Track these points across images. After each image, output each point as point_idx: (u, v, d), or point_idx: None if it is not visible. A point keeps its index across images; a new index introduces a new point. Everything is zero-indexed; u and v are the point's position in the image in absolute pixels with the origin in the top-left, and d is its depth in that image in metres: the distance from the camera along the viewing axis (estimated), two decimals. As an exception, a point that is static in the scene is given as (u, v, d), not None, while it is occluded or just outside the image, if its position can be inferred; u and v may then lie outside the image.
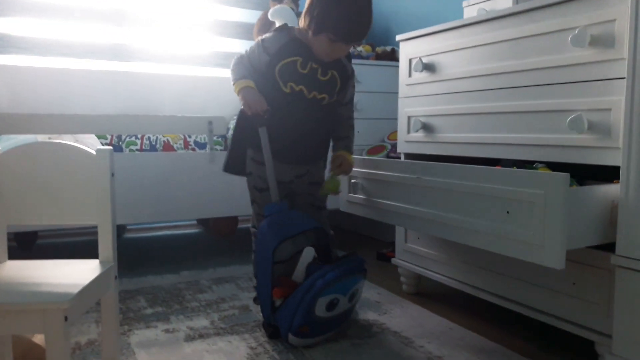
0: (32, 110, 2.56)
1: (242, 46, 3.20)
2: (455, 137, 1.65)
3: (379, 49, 2.71)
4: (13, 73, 2.59)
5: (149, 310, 1.72)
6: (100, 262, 1.16)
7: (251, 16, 3.17)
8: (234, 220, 2.96)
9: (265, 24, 2.99)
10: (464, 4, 1.89)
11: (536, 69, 1.36)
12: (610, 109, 1.17)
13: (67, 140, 2.18)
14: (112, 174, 1.18)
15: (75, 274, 1.08)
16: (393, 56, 2.67)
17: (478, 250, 1.54)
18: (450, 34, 1.65)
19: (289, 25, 2.72)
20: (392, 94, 2.69)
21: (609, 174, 1.21)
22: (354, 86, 1.65)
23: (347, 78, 1.58)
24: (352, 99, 1.66)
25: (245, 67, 1.52)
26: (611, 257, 1.11)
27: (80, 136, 2.18)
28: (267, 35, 1.53)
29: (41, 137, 2.12)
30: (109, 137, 2.62)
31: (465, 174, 1.27)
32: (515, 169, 1.27)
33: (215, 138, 2.86)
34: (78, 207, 1.17)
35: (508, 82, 1.45)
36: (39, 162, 1.17)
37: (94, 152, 1.17)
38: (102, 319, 1.17)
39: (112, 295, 1.18)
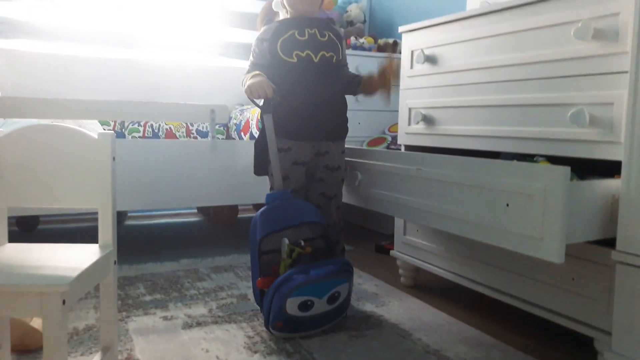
0: (35, 95, 2.56)
1: (247, 36, 3.19)
2: (455, 130, 1.65)
3: (381, 41, 2.70)
4: (17, 58, 2.59)
5: (148, 298, 1.72)
6: (100, 247, 1.16)
7: (256, 6, 3.16)
8: (234, 209, 2.97)
9: (268, 14, 2.97)
10: (469, -5, 1.88)
11: (538, 62, 1.35)
12: (612, 103, 1.16)
13: (70, 125, 2.19)
14: (114, 159, 1.18)
15: (74, 257, 1.08)
16: (395, 48, 2.65)
17: (477, 243, 1.54)
18: (453, 25, 1.64)
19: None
20: (393, 86, 2.69)
21: (610, 168, 1.20)
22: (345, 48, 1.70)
23: (341, 38, 1.64)
24: (346, 62, 1.71)
25: (255, 67, 1.57)
26: (611, 252, 1.11)
27: (83, 122, 2.17)
28: (261, 30, 1.60)
29: (44, 122, 2.12)
30: (111, 123, 2.62)
31: (465, 165, 1.26)
32: (514, 161, 1.26)
33: (217, 127, 2.86)
34: (79, 191, 1.17)
35: (509, 74, 1.44)
36: (40, 145, 1.17)
37: (95, 136, 1.17)
38: (101, 304, 1.18)
39: (111, 281, 1.18)
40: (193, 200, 2.21)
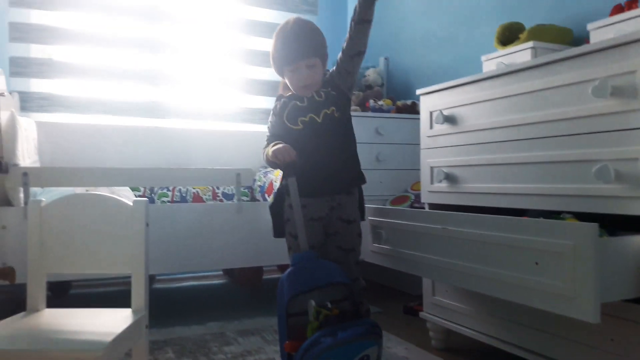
0: (71, 163, 2.69)
1: (267, 103, 3.33)
2: (479, 188, 1.66)
3: (399, 103, 2.78)
4: (55, 130, 2.74)
5: (176, 362, 1.72)
6: (133, 311, 1.19)
7: (277, 75, 3.31)
8: (259, 270, 2.97)
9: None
10: (483, 58, 1.96)
11: (558, 119, 1.38)
12: (637, 159, 1.17)
13: (103, 192, 2.28)
14: (147, 224, 1.23)
15: (108, 322, 1.11)
16: (413, 109, 2.73)
17: (509, 303, 1.51)
18: (470, 87, 1.69)
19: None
20: (413, 145, 2.75)
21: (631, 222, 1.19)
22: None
23: (331, 76, 1.65)
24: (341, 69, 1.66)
25: (272, 138, 1.66)
26: (648, 309, 1.08)
27: (116, 188, 2.26)
28: (273, 109, 1.70)
29: (79, 190, 2.22)
30: (142, 189, 2.71)
31: (492, 224, 1.27)
32: (542, 219, 1.26)
33: (242, 189, 2.93)
34: (114, 257, 1.22)
35: (530, 133, 1.47)
36: (79, 213, 1.23)
37: (130, 203, 1.22)
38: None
39: (143, 344, 1.19)
40: (220, 263, 2.24)
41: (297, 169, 1.53)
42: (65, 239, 1.22)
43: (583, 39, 1.82)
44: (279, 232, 1.67)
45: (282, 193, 1.66)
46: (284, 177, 1.59)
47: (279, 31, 1.61)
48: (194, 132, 3.11)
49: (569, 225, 1.09)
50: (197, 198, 2.84)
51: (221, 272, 3.30)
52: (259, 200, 2.87)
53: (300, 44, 1.57)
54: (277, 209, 1.65)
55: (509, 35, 1.92)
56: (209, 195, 2.88)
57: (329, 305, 1.44)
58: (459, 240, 1.37)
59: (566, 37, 1.83)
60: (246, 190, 3.00)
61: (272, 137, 1.66)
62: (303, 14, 3.37)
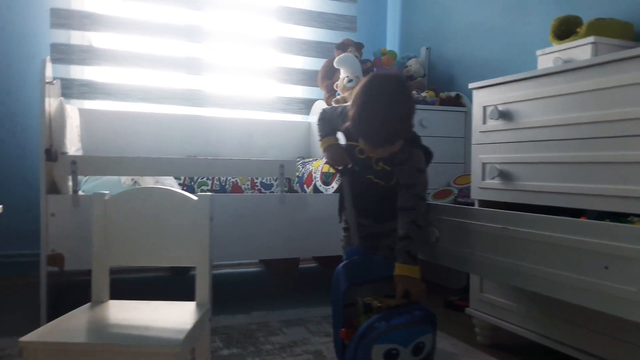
0: (110, 151, 2.73)
1: (303, 92, 3.31)
2: (534, 186, 1.63)
3: (442, 95, 2.74)
4: (96, 117, 2.78)
5: (225, 352, 1.74)
6: (197, 304, 1.20)
7: (313, 63, 3.29)
8: (296, 260, 2.99)
9: (329, 71, 3.10)
10: (538, 52, 1.90)
11: (623, 119, 1.34)
12: None
13: (147, 181, 2.31)
14: (212, 219, 1.23)
15: (177, 316, 1.12)
16: (457, 101, 2.68)
17: (560, 302, 1.49)
18: (528, 83, 1.65)
19: (355, 73, 2.81)
20: (457, 138, 2.71)
21: None
22: (418, 170, 1.48)
23: (399, 164, 1.49)
24: (413, 185, 1.47)
25: (328, 124, 1.66)
26: None
27: (160, 178, 2.29)
28: (344, 109, 1.58)
29: (124, 179, 2.25)
30: (182, 178, 2.74)
31: (558, 226, 1.24)
32: (614, 223, 1.23)
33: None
34: (179, 250, 1.23)
35: (591, 132, 1.43)
36: (144, 207, 1.24)
37: (195, 197, 1.23)
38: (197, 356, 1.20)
39: (206, 338, 1.21)
40: (263, 253, 2.26)
41: (349, 172, 1.55)
42: (129, 231, 1.24)
43: (647, 33, 1.76)
44: (340, 218, 1.72)
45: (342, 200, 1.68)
46: (339, 173, 1.64)
47: (366, 93, 1.37)
48: (230, 121, 3.12)
49: (645, 230, 1.06)
50: (236, 187, 2.86)
51: (257, 261, 3.33)
52: (297, 192, 2.87)
53: (388, 127, 1.35)
54: (340, 198, 1.68)
55: (566, 29, 1.86)
56: (248, 185, 2.89)
57: (377, 302, 1.43)
58: (520, 240, 1.35)
59: (628, 33, 1.77)
60: (284, 181, 3.00)
61: (328, 127, 1.66)
62: (341, 31, 3.32)
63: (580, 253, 1.18)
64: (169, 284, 2.76)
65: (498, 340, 1.87)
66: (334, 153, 1.61)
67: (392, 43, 3.46)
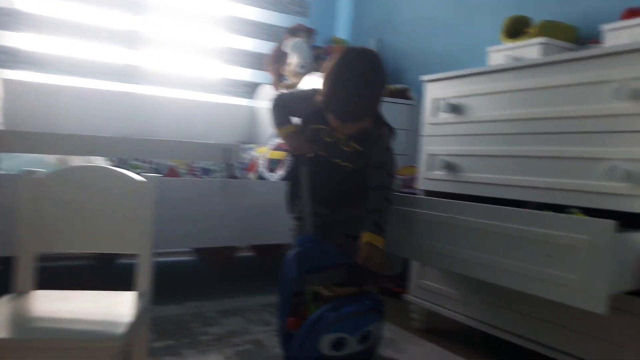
0: (34, 126, 2.49)
1: (250, 75, 3.21)
2: (480, 178, 1.67)
3: (390, 87, 2.75)
4: (17, 88, 2.53)
5: (159, 343, 1.64)
6: (139, 294, 1.11)
7: (261, 46, 3.20)
8: (232, 249, 2.90)
9: (278, 56, 3.02)
10: (490, 49, 1.94)
11: (568, 117, 1.40)
12: (648, 160, 1.20)
13: (75, 161, 2.13)
14: (158, 203, 1.14)
15: (116, 307, 1.03)
16: (404, 94, 2.71)
17: (497, 288, 1.54)
18: (480, 78, 1.69)
19: (307, 59, 2.76)
20: (402, 130, 2.73)
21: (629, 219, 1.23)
22: (387, 149, 1.52)
23: (370, 143, 1.49)
24: (383, 164, 1.50)
25: (285, 111, 1.59)
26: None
27: (91, 158, 2.12)
28: (310, 93, 1.53)
29: (49, 158, 2.06)
30: (113, 159, 2.56)
31: (504, 216, 1.28)
32: (558, 214, 1.28)
33: (221, 165, 2.83)
34: (120, 236, 1.13)
35: (538, 128, 1.49)
36: (80, 187, 1.13)
37: (141, 179, 1.13)
38: (135, 353, 1.11)
39: (146, 330, 1.12)
40: (203, 241, 2.15)
41: (309, 161, 1.50)
42: (63, 215, 1.11)
43: (587, 38, 1.84)
44: (291, 209, 1.67)
45: (295, 173, 1.61)
46: (297, 163, 1.57)
47: (342, 67, 1.36)
48: (169, 101, 2.97)
49: (587, 221, 1.12)
50: (173, 172, 2.71)
51: (190, 250, 3.20)
52: (238, 178, 2.78)
53: (362, 103, 1.36)
54: (292, 188, 1.63)
55: (516, 28, 1.92)
56: (185, 170, 2.75)
57: (327, 291, 1.41)
58: (469, 229, 1.38)
59: (572, 35, 1.85)
60: (224, 166, 2.89)
61: (286, 114, 1.59)
62: (293, 15, 3.24)
63: (525, 242, 1.23)
64: (95, 273, 2.58)
65: (434, 326, 1.92)
66: (296, 141, 1.55)
67: (342, 31, 3.43)
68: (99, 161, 2.25)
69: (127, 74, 2.88)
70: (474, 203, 1.41)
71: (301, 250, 1.43)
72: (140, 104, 2.89)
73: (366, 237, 1.44)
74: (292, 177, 1.64)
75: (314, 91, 1.54)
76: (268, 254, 2.96)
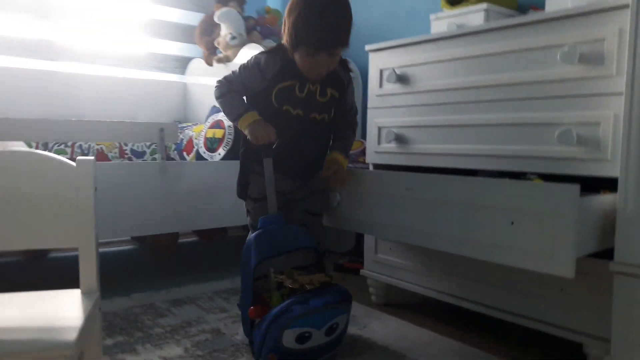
0: None
1: (178, 49, 3.01)
2: (431, 148, 1.66)
3: (329, 58, 2.68)
4: None
5: (109, 341, 1.52)
6: (84, 293, 0.99)
7: (189, 18, 3.00)
8: (175, 235, 2.76)
9: (208, 27, 2.85)
10: (432, 17, 1.93)
11: (519, 83, 1.41)
12: (599, 123, 1.24)
13: (-9, 147, 1.89)
14: (95, 189, 1.02)
15: (60, 309, 0.91)
16: (344, 66, 2.65)
17: (455, 258, 1.56)
18: (425, 46, 1.66)
19: (238, 30, 2.62)
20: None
21: (592, 183, 1.27)
22: (353, 92, 1.61)
23: (344, 89, 1.54)
24: (352, 105, 1.62)
25: (239, 96, 1.48)
26: (610, 264, 1.17)
27: (8, 143, 1.89)
28: (262, 57, 1.45)
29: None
30: (34, 144, 2.31)
31: (462, 185, 1.27)
32: (521, 181, 1.30)
33: (153, 146, 2.65)
34: (55, 229, 0.99)
35: (488, 95, 1.49)
36: (7, 174, 0.97)
37: (73, 163, 1.00)
38: (87, 358, 1.00)
39: (98, 331, 1.01)
40: (142, 229, 2.01)
41: (274, 151, 1.41)
42: (-15, 208, 0.96)
43: (527, 4, 1.87)
44: (243, 193, 1.56)
45: (248, 156, 1.52)
46: (261, 154, 1.45)
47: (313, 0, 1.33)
48: (89, 79, 2.73)
49: (551, 187, 1.13)
50: (102, 156, 2.51)
51: (129, 238, 3.01)
52: (174, 159, 2.62)
53: (340, 28, 1.36)
54: (245, 169, 1.54)
55: (456, -5, 1.91)
56: (116, 153, 2.56)
57: (291, 282, 1.35)
58: (425, 201, 1.36)
59: (513, 2, 1.87)
60: (156, 147, 2.72)
61: (240, 99, 1.48)
62: None
63: (486, 210, 1.22)
64: (24, 271, 2.35)
65: (393, 299, 1.93)
66: (260, 129, 1.40)
67: (273, 1, 3.30)
68: (18, 147, 2.02)
69: (39, 49, 2.60)
70: (430, 174, 1.39)
71: (263, 232, 1.35)
72: (59, 82, 2.64)
73: (335, 155, 1.52)
74: (246, 159, 1.54)
75: (256, 57, 1.46)
76: (211, 239, 2.84)
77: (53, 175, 0.98)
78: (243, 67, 1.48)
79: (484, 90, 1.50)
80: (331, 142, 1.59)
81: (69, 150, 2.42)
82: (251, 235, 1.37)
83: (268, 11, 2.90)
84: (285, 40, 1.41)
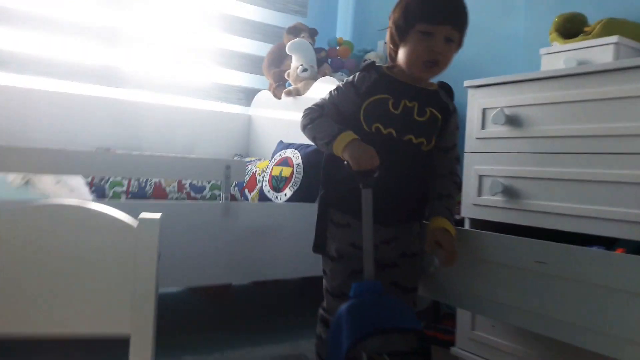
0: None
1: (245, 80, 2.87)
2: (550, 206, 1.36)
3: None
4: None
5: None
6: (133, 395, 0.76)
7: (257, 48, 2.86)
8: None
9: (277, 58, 2.68)
10: (542, 51, 1.64)
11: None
12: None
13: (45, 181, 1.75)
14: (159, 255, 0.79)
15: None
16: (447, 89, 2.40)
17: (579, 351, 1.23)
18: (544, 84, 1.39)
19: (310, 61, 2.43)
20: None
21: None
22: (457, 128, 1.30)
23: (449, 115, 1.26)
24: (454, 147, 1.29)
25: (328, 120, 1.22)
26: None
27: (63, 177, 1.74)
28: (356, 74, 1.24)
29: (13, 177, 1.68)
30: (90, 176, 2.18)
31: (593, 259, 0.98)
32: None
33: (213, 182, 2.48)
34: (99, 310, 0.77)
35: (629, 146, 1.19)
36: (46, 236, 0.76)
37: (132, 223, 0.78)
38: None
39: None
40: (199, 279, 1.78)
41: (375, 181, 1.13)
42: (16, 280, 0.75)
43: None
44: (319, 245, 1.30)
45: (327, 202, 1.27)
46: (360, 184, 1.14)
47: None
48: (152, 107, 2.61)
49: None
50: (159, 190, 2.35)
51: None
52: (233, 196, 2.43)
53: (459, 4, 1.19)
54: (324, 215, 1.28)
55: (571, 28, 1.63)
56: (174, 187, 2.39)
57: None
58: (560, 280, 1.06)
59: None
60: (218, 183, 2.54)
61: (332, 122, 1.21)
62: (291, 15, 2.92)
63: (623, 295, 0.92)
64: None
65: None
66: (361, 151, 1.12)
67: (343, 32, 3.11)
68: (75, 180, 1.87)
69: (105, 76, 2.51)
70: (570, 245, 1.09)
71: (356, 305, 1.07)
72: (121, 110, 2.53)
73: (438, 221, 1.21)
74: (323, 205, 1.29)
75: (349, 78, 1.27)
76: (265, 285, 2.60)
77: (103, 238, 0.76)
78: (335, 89, 1.27)
79: (625, 139, 1.20)
80: (430, 198, 1.28)
81: (125, 182, 2.28)
82: (342, 306, 1.09)
83: (340, 42, 2.71)
84: (390, 45, 1.24)
